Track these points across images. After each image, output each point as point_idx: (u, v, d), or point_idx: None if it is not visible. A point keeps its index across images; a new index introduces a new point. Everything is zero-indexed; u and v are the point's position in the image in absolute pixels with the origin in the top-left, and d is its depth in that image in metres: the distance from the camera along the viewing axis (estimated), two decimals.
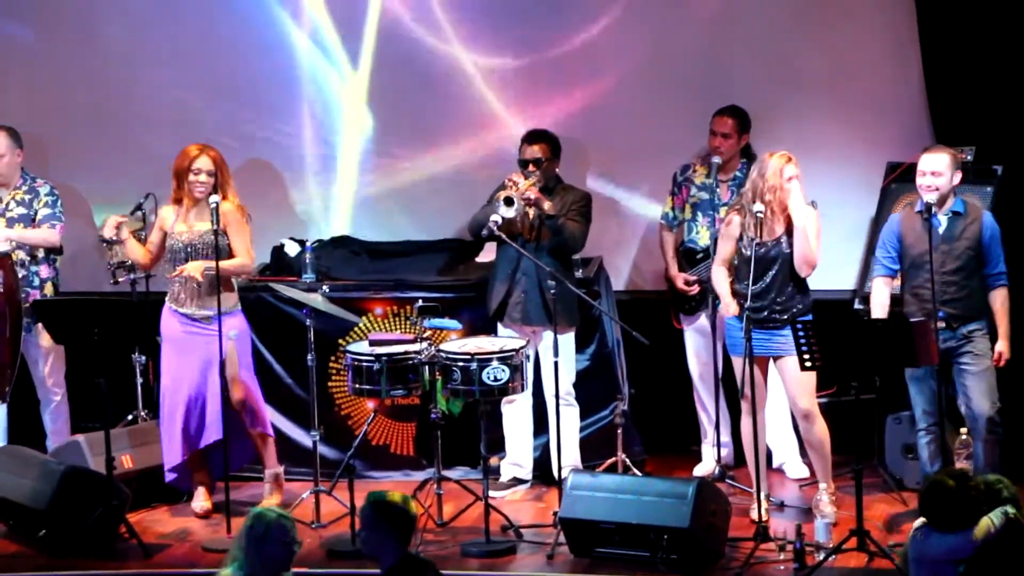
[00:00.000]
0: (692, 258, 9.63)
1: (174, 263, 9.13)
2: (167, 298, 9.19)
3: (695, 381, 9.80)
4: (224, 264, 8.98)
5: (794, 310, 8.71)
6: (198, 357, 9.04)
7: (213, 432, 9.07)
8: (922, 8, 9.81)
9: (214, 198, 8.94)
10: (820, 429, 8.81)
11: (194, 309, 9.07)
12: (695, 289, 9.58)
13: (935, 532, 7.09)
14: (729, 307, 8.72)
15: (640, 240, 10.36)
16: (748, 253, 8.64)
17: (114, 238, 9.29)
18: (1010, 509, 6.94)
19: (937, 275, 8.59)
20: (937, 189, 8.62)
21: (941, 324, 8.60)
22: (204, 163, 9.10)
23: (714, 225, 9.49)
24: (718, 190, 9.60)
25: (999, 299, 8.71)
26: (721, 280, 8.82)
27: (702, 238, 9.63)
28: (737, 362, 8.79)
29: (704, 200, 9.65)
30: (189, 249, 9.07)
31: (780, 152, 8.71)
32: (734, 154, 9.61)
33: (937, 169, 8.63)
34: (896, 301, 9.03)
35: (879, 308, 8.75)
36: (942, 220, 8.68)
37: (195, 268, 9.02)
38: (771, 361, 8.79)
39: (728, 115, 9.61)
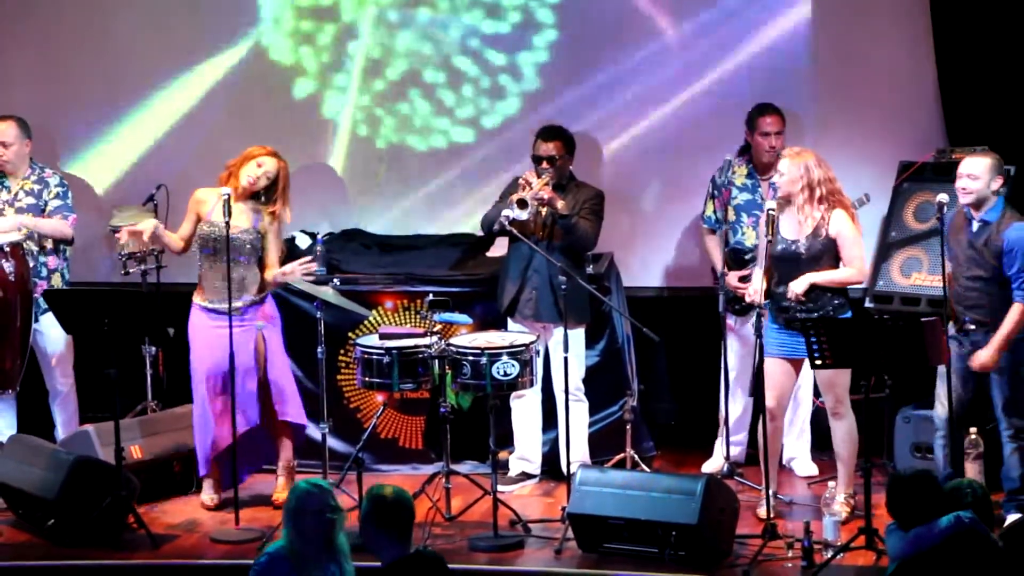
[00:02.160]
0: (740, 259, 9.54)
1: (203, 251, 9.08)
2: (195, 295, 9.17)
3: (731, 383, 9.65)
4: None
5: (825, 310, 8.66)
6: (224, 350, 8.95)
7: (253, 417, 9.11)
8: (936, 8, 9.81)
9: (225, 190, 8.92)
10: (843, 429, 8.78)
11: (220, 303, 9.05)
12: (747, 287, 9.45)
13: (898, 531, 7.02)
14: (748, 294, 8.64)
15: (651, 237, 10.35)
16: (775, 251, 8.64)
17: (142, 249, 9.36)
18: (965, 514, 6.83)
19: (964, 278, 8.62)
20: (972, 193, 8.58)
21: (971, 326, 8.61)
22: (269, 164, 9.07)
23: (757, 226, 9.47)
24: (760, 190, 9.56)
25: (1013, 310, 8.54)
26: (756, 275, 8.80)
27: (748, 239, 9.54)
28: (768, 363, 8.73)
29: (747, 200, 9.60)
30: (221, 243, 9.04)
31: (801, 150, 8.74)
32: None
33: (973, 172, 8.57)
34: (914, 300, 9.06)
35: None
36: (975, 225, 8.64)
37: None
38: (806, 362, 8.73)
39: (776, 112, 9.56)
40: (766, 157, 9.53)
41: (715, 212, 9.70)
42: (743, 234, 9.61)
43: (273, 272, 9.10)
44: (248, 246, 9.08)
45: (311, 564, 6.44)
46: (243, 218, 9.09)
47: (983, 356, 8.57)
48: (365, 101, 10.53)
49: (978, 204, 8.60)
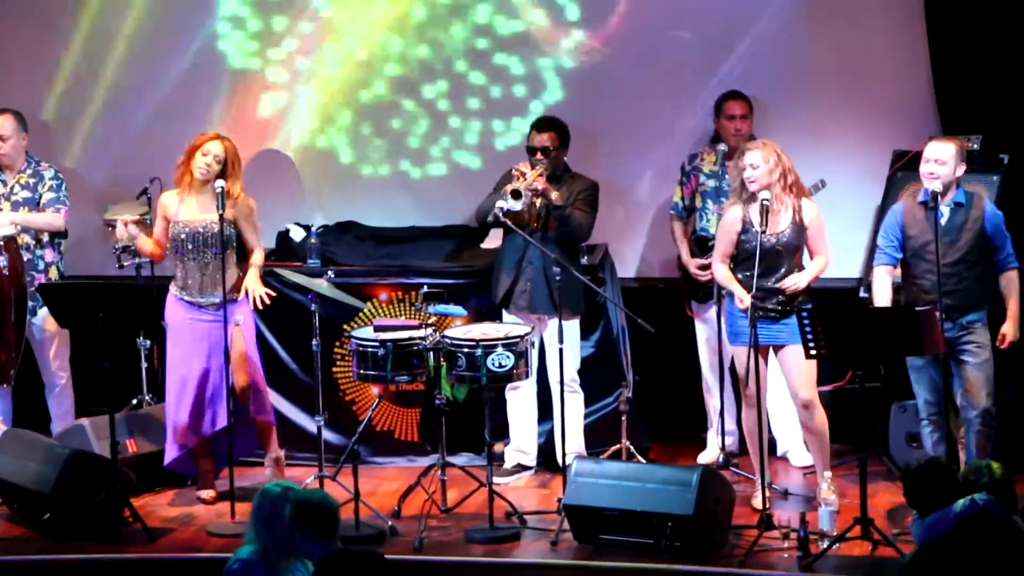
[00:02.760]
0: (704, 246, 9.60)
1: (177, 252, 9.10)
2: (172, 285, 9.17)
3: (704, 369, 9.79)
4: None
5: (797, 300, 8.70)
6: (205, 344, 9.03)
7: (222, 419, 9.07)
8: None
9: (220, 183, 8.93)
10: (820, 419, 8.80)
11: (200, 296, 9.06)
12: (708, 275, 9.53)
13: (919, 519, 7.04)
14: (744, 300, 8.66)
15: (646, 228, 10.35)
16: (753, 244, 8.62)
17: (129, 242, 9.34)
18: (980, 496, 6.85)
19: (943, 266, 8.57)
20: (939, 178, 8.60)
21: (942, 315, 8.61)
22: (215, 147, 9.07)
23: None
24: (727, 177, 9.59)
25: (1009, 281, 8.66)
26: (726, 275, 8.78)
27: (713, 225, 9.60)
28: (738, 351, 8.78)
29: (713, 188, 9.63)
30: (197, 238, 9.04)
31: (766, 140, 8.74)
32: (747, 137, 9.59)
33: (941, 158, 8.61)
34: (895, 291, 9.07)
35: (882, 297, 8.73)
36: (944, 211, 8.65)
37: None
38: (771, 351, 8.78)
39: (742, 97, 9.60)
40: (732, 141, 9.56)
41: (683, 199, 9.74)
42: (708, 220, 9.63)
43: (251, 263, 9.08)
44: (214, 235, 9.00)
45: (283, 565, 6.43)
46: (200, 211, 9.07)
47: (1010, 332, 8.62)
48: (365, 97, 10.51)
49: (944, 190, 8.63)
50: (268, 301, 9.06)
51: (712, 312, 9.57)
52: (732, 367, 9.33)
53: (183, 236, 9.08)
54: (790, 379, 8.81)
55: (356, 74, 10.49)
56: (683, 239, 9.78)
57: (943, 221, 8.64)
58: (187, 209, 9.09)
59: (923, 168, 8.65)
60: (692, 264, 9.67)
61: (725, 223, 8.76)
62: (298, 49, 10.50)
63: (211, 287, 9.03)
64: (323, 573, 6.07)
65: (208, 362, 9.03)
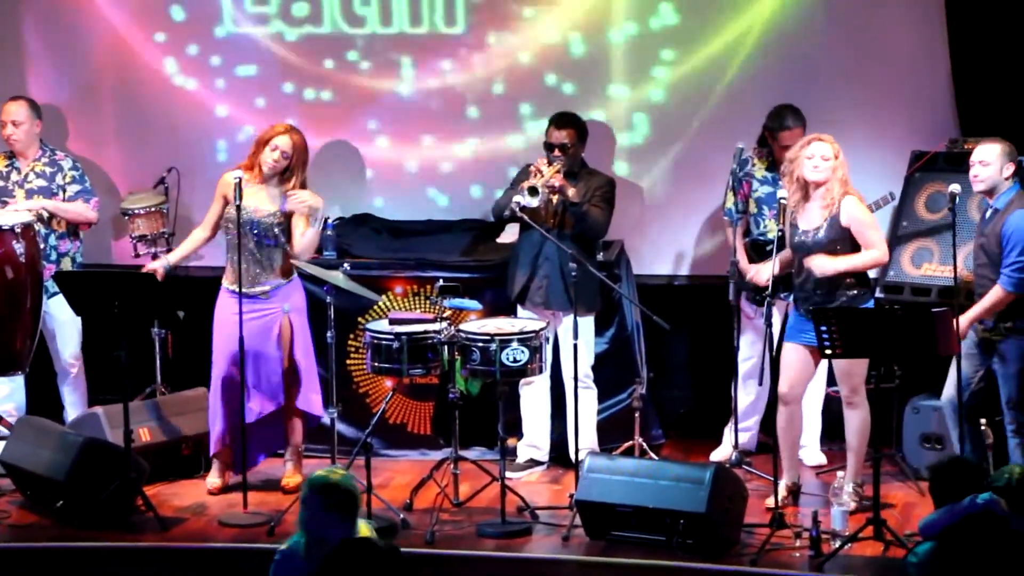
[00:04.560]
0: (761, 251, 9.47)
1: (227, 235, 9.06)
2: (223, 279, 9.16)
3: (742, 369, 9.65)
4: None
5: (841, 300, 8.63)
6: (253, 334, 8.98)
7: (257, 409, 9.11)
8: None
9: (237, 173, 8.91)
10: (855, 419, 8.76)
11: (250, 286, 9.04)
12: (766, 280, 9.41)
13: None
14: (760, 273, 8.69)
15: (662, 225, 10.34)
16: (795, 239, 8.63)
17: (153, 231, 9.41)
18: (984, 496, 6.78)
19: (976, 267, 8.66)
20: (983, 180, 8.57)
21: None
22: (283, 142, 9.04)
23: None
24: (780, 182, 9.52)
25: (994, 291, 8.52)
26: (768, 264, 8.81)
27: (770, 231, 9.48)
28: (787, 349, 8.74)
29: (767, 193, 9.56)
30: (256, 227, 9.02)
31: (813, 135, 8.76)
32: None
33: (984, 159, 8.57)
34: (924, 291, 9.09)
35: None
36: (988, 214, 8.65)
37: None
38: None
39: (794, 123, 9.39)
40: (780, 158, 9.47)
41: (735, 204, 9.67)
42: (764, 226, 9.57)
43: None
44: (274, 229, 9.05)
45: (321, 553, 6.41)
46: (267, 201, 9.07)
47: (963, 326, 8.54)
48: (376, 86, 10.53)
49: (991, 191, 8.59)
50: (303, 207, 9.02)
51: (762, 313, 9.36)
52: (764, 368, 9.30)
53: (242, 224, 8.98)
54: (838, 377, 8.82)
55: None
56: (739, 244, 9.60)
57: (979, 225, 8.66)
58: (250, 197, 9.01)
59: (970, 172, 8.61)
60: (750, 270, 9.44)
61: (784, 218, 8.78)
62: None
63: (262, 276, 9.04)
64: (336, 556, 6.03)
65: (255, 348, 9.02)
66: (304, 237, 9.04)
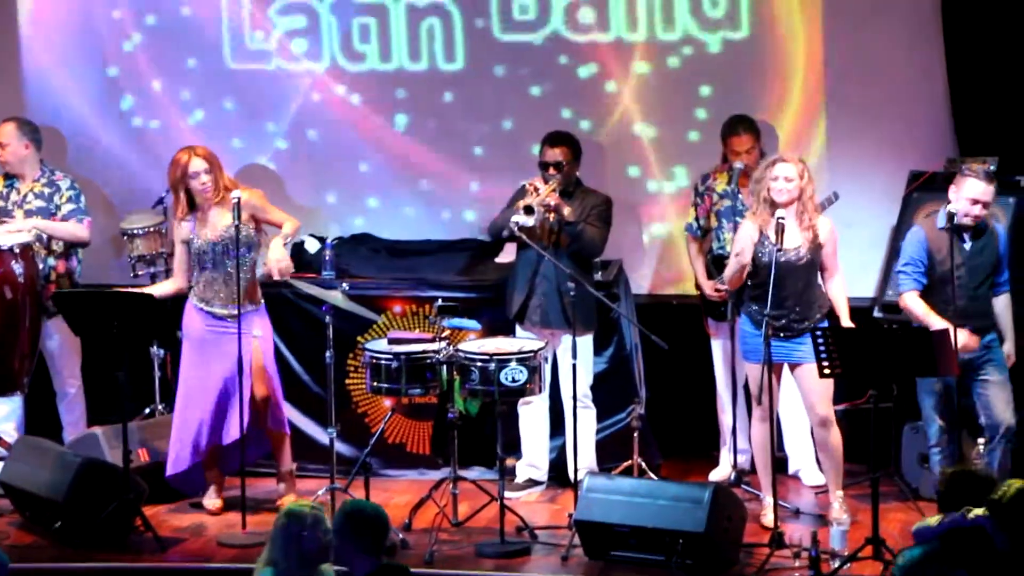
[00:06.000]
0: (720, 265, 9.53)
1: (201, 266, 9.06)
2: (191, 295, 9.17)
3: (720, 387, 9.77)
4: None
5: (815, 318, 8.71)
6: (223, 355, 8.99)
7: (235, 431, 9.06)
8: (947, 17, 9.80)
9: (236, 193, 8.92)
10: (835, 437, 8.81)
11: (220, 307, 9.06)
12: (723, 295, 9.50)
13: None
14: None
15: (660, 244, 10.35)
16: (766, 260, 8.62)
17: (152, 251, 9.69)
18: (972, 512, 6.79)
19: (966, 290, 8.67)
20: (981, 218, 8.68)
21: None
22: (198, 164, 9.01)
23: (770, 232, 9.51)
24: (740, 195, 9.58)
25: (1004, 304, 8.84)
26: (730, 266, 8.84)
27: (729, 245, 9.57)
28: (751, 368, 8.79)
29: (727, 207, 9.62)
30: (218, 248, 9.04)
31: (796, 156, 8.78)
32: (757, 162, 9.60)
33: (989, 201, 8.68)
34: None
35: (931, 315, 8.68)
36: (966, 236, 8.73)
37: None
38: (785, 368, 8.78)
39: (744, 131, 9.54)
40: (735, 162, 9.54)
41: (697, 219, 9.74)
42: (724, 240, 9.62)
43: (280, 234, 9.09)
44: (242, 245, 9.02)
45: None
46: (218, 218, 9.04)
47: (1013, 352, 8.79)
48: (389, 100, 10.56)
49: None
50: (287, 275, 9.04)
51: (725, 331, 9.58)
52: (746, 385, 9.33)
53: (205, 251, 9.02)
54: (807, 396, 8.81)
55: None
56: (699, 259, 9.77)
57: (967, 246, 8.71)
58: (204, 227, 9.04)
59: (969, 208, 8.63)
60: (708, 286, 9.65)
61: (741, 235, 8.75)
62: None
63: (231, 298, 9.03)
64: None
65: (226, 372, 9.02)
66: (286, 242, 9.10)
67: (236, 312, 8.96)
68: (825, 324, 8.65)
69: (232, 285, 9.01)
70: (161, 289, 9.21)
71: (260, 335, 9.10)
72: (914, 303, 8.78)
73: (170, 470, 9.19)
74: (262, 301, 9.20)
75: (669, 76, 10.22)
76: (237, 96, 10.61)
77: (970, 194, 8.65)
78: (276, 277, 9.08)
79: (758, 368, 8.68)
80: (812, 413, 8.84)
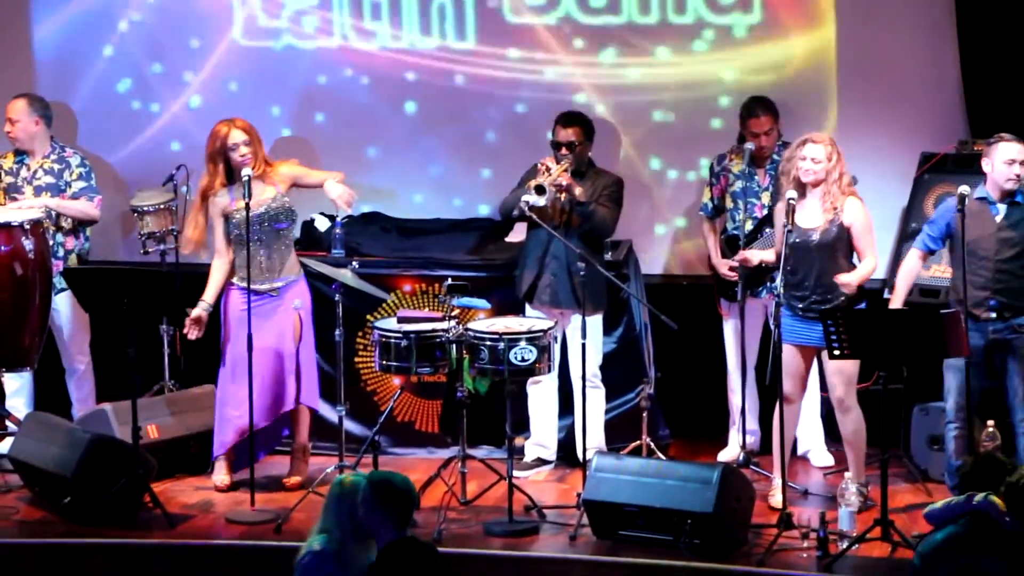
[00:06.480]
0: (734, 246, 9.52)
1: (242, 239, 8.99)
2: (234, 278, 9.12)
3: (730, 367, 9.75)
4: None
5: (838, 300, 8.66)
6: (267, 331, 8.98)
7: (289, 402, 9.10)
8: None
9: (247, 171, 8.92)
10: (853, 422, 8.78)
11: (261, 284, 9.03)
12: (736, 275, 9.49)
13: None
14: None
15: (671, 224, 10.34)
16: (790, 239, 8.62)
17: (162, 228, 9.72)
18: (982, 495, 6.80)
19: (991, 263, 8.58)
20: (1020, 177, 8.57)
21: (992, 314, 8.58)
22: (238, 136, 9.06)
23: (754, 211, 9.49)
24: (756, 177, 9.57)
25: None
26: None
27: (745, 226, 9.56)
28: (785, 349, 8.73)
29: (742, 188, 9.59)
30: (258, 220, 9.02)
31: (826, 136, 8.77)
32: (775, 145, 9.58)
33: None
34: (933, 292, 9.06)
35: (906, 276, 8.68)
36: (1000, 208, 8.63)
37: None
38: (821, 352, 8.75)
39: (763, 112, 9.52)
40: (759, 152, 9.53)
41: (712, 199, 9.72)
42: (738, 221, 9.60)
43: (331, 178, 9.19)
44: (281, 212, 9.04)
45: (356, 556, 6.43)
46: (259, 191, 9.05)
47: None
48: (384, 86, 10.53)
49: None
50: (354, 204, 9.23)
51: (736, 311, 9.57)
52: (757, 366, 9.32)
53: (251, 222, 8.96)
54: (829, 379, 8.80)
55: None
56: (713, 239, 9.75)
57: (998, 219, 8.62)
58: (241, 199, 8.97)
59: (1008, 169, 8.54)
60: (722, 265, 9.64)
61: (775, 213, 8.82)
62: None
63: (274, 271, 9.05)
64: (388, 556, 6.02)
65: (272, 347, 9.02)
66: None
67: (277, 285, 9.02)
68: (860, 305, 8.60)
69: (274, 258, 9.03)
70: (215, 282, 9.15)
71: (300, 305, 9.10)
72: (905, 263, 8.77)
73: (216, 451, 9.19)
74: (302, 271, 9.19)
75: (685, 61, 10.17)
76: (242, 78, 10.56)
77: (1006, 156, 8.58)
78: (346, 209, 9.20)
79: (791, 350, 8.66)
80: (833, 395, 8.83)
